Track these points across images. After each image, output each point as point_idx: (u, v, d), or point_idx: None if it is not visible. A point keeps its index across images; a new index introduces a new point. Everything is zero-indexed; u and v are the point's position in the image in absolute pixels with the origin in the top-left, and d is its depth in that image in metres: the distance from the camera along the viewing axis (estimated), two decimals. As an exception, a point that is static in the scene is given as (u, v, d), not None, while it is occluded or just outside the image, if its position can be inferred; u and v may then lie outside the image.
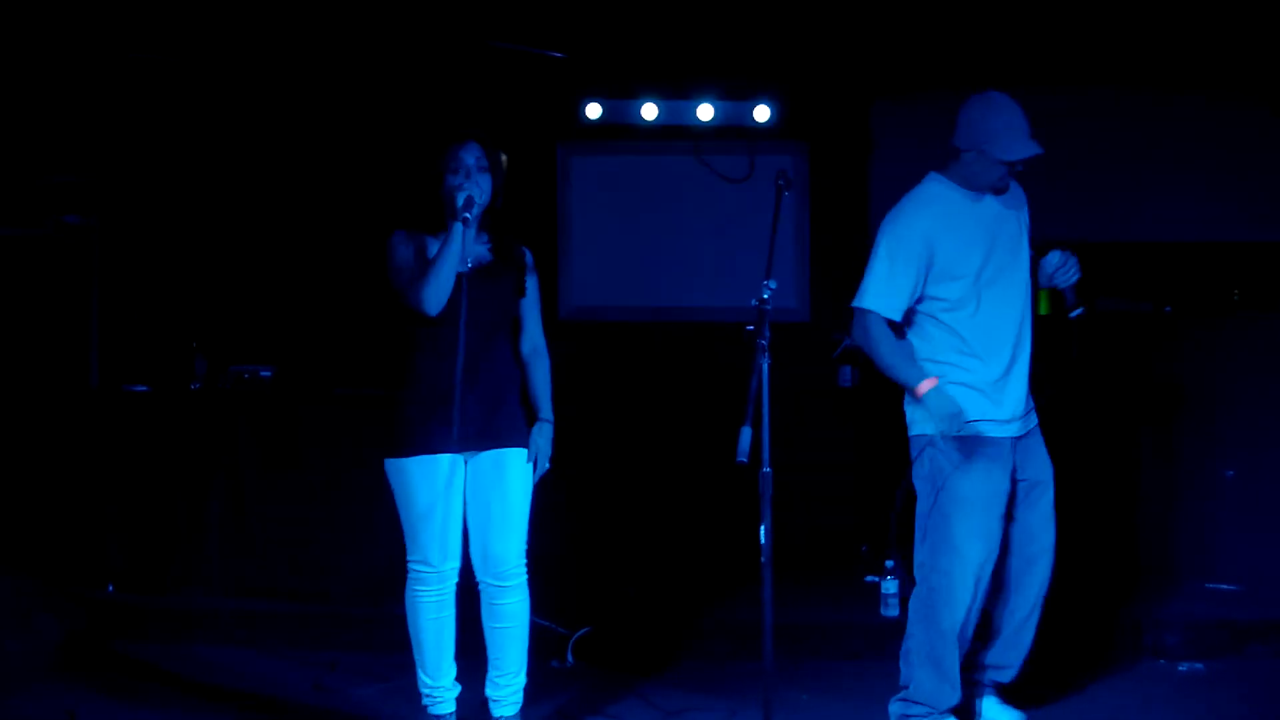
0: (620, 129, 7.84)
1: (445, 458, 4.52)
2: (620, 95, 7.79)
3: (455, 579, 4.65)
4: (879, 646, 5.91)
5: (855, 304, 4.62)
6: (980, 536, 4.54)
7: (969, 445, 4.54)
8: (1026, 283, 4.68)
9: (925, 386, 4.50)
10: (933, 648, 4.60)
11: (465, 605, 4.70)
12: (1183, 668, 5.63)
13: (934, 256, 4.53)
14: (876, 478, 7.65)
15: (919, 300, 4.59)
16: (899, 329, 4.65)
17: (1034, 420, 4.74)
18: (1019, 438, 4.64)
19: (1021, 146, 4.52)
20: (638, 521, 7.36)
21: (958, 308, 4.56)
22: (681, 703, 5.27)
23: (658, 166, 7.94)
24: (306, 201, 7.77)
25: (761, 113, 7.77)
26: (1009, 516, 4.63)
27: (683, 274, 7.88)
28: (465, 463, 4.62)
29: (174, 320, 7.53)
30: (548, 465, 4.75)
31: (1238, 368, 6.58)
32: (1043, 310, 8.41)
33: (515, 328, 4.77)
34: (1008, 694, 4.83)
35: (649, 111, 7.76)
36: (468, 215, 4.46)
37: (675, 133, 7.86)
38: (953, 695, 4.63)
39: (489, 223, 4.68)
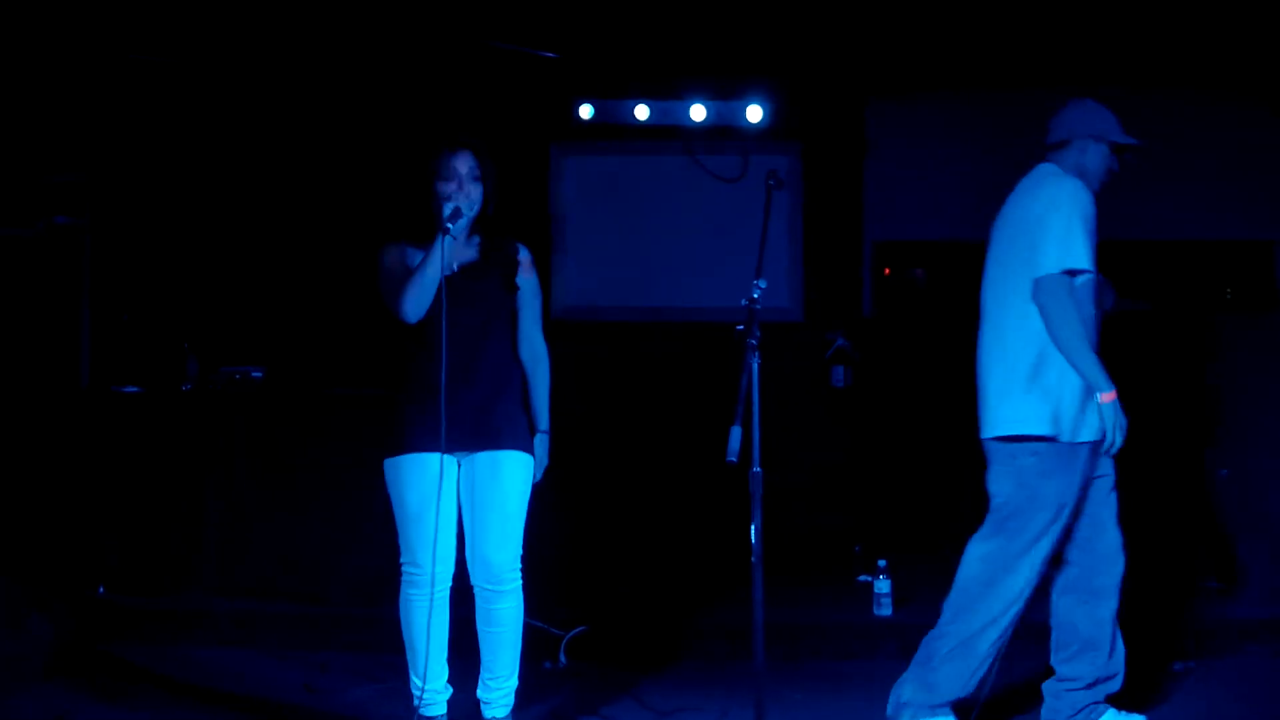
0: (613, 129, 7.85)
1: (435, 459, 4.51)
2: (613, 95, 7.79)
3: (449, 583, 4.63)
4: (872, 646, 5.94)
5: (1052, 269, 4.43)
6: (1053, 537, 4.48)
7: (1080, 449, 4.47)
8: None
9: (1112, 395, 4.39)
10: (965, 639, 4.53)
11: (459, 606, 4.69)
12: (1178, 666, 5.63)
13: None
14: (869, 478, 7.67)
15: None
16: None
17: None
18: None
19: (1127, 134, 4.63)
20: (631, 521, 7.35)
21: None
22: (675, 703, 5.26)
23: (651, 167, 7.95)
24: (298, 201, 7.77)
25: (754, 113, 7.77)
26: (1079, 512, 4.56)
27: (676, 274, 7.88)
28: (459, 465, 4.61)
29: (165, 321, 7.52)
30: (539, 476, 4.74)
31: (1230, 367, 6.58)
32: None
33: (513, 327, 4.76)
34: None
35: (642, 111, 7.77)
36: (450, 227, 4.46)
37: (668, 133, 7.87)
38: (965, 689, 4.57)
39: (481, 226, 4.67)
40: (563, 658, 5.79)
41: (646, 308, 7.88)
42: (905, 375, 7.82)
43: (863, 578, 6.45)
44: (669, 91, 7.78)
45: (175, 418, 6.52)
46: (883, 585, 6.09)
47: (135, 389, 6.74)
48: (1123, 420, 4.38)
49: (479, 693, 4.72)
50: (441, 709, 4.69)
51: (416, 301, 4.47)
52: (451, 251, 4.50)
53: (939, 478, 7.61)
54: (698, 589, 6.53)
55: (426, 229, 4.58)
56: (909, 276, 8.45)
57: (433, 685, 4.65)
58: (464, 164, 4.58)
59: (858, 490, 7.59)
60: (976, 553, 4.60)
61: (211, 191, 7.82)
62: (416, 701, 4.65)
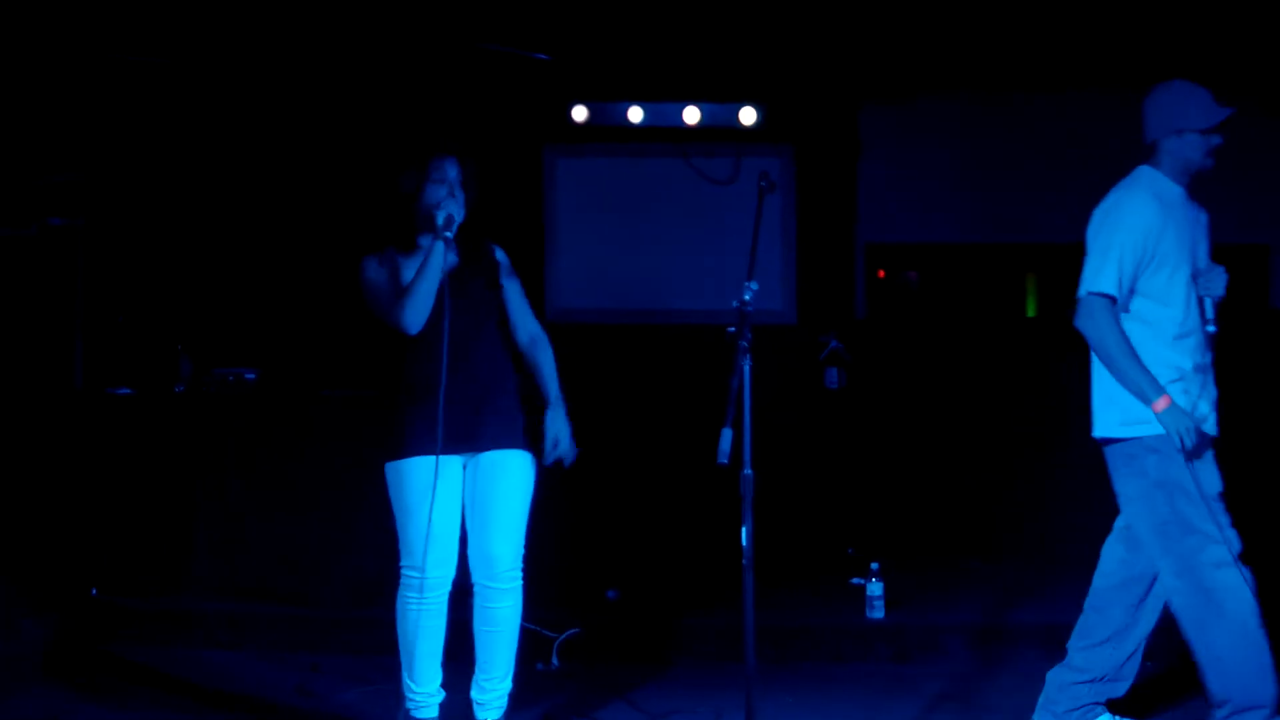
0: (607, 131, 7.85)
1: (434, 461, 4.52)
2: (607, 98, 7.79)
3: (448, 587, 4.63)
4: (865, 648, 5.94)
5: (1081, 292, 4.41)
6: (1221, 529, 4.37)
7: (1202, 442, 4.40)
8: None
9: (1164, 404, 4.31)
10: (1233, 644, 4.32)
11: (455, 608, 4.69)
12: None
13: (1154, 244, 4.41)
14: (863, 480, 7.67)
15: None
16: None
17: None
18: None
19: (1215, 111, 4.48)
20: (625, 524, 7.35)
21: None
22: (667, 705, 5.26)
23: (644, 169, 7.95)
24: (291, 203, 7.77)
25: (747, 115, 7.77)
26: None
27: (669, 276, 7.89)
28: (464, 467, 4.62)
29: (159, 322, 7.52)
30: (570, 446, 4.69)
31: (1223, 370, 6.57)
32: (1030, 312, 8.50)
33: (503, 327, 4.77)
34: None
35: (635, 114, 7.77)
36: (449, 235, 4.47)
37: (662, 135, 7.87)
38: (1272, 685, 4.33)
39: (460, 231, 4.67)
40: (555, 659, 5.80)
41: (640, 310, 7.88)
42: (898, 377, 7.82)
43: (855, 580, 6.45)
44: (662, 94, 7.78)
45: (168, 419, 6.52)
46: (875, 588, 6.09)
47: (128, 390, 6.74)
48: (1185, 422, 4.29)
49: (472, 693, 4.72)
50: (433, 712, 4.68)
51: (417, 312, 4.48)
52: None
53: (932, 480, 7.63)
54: (689, 591, 6.53)
55: (408, 238, 4.62)
56: (902, 279, 8.46)
57: (426, 689, 4.65)
58: (452, 169, 4.61)
59: (851, 492, 7.60)
60: None
61: (205, 193, 7.82)
62: (409, 704, 4.66)
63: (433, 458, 4.48)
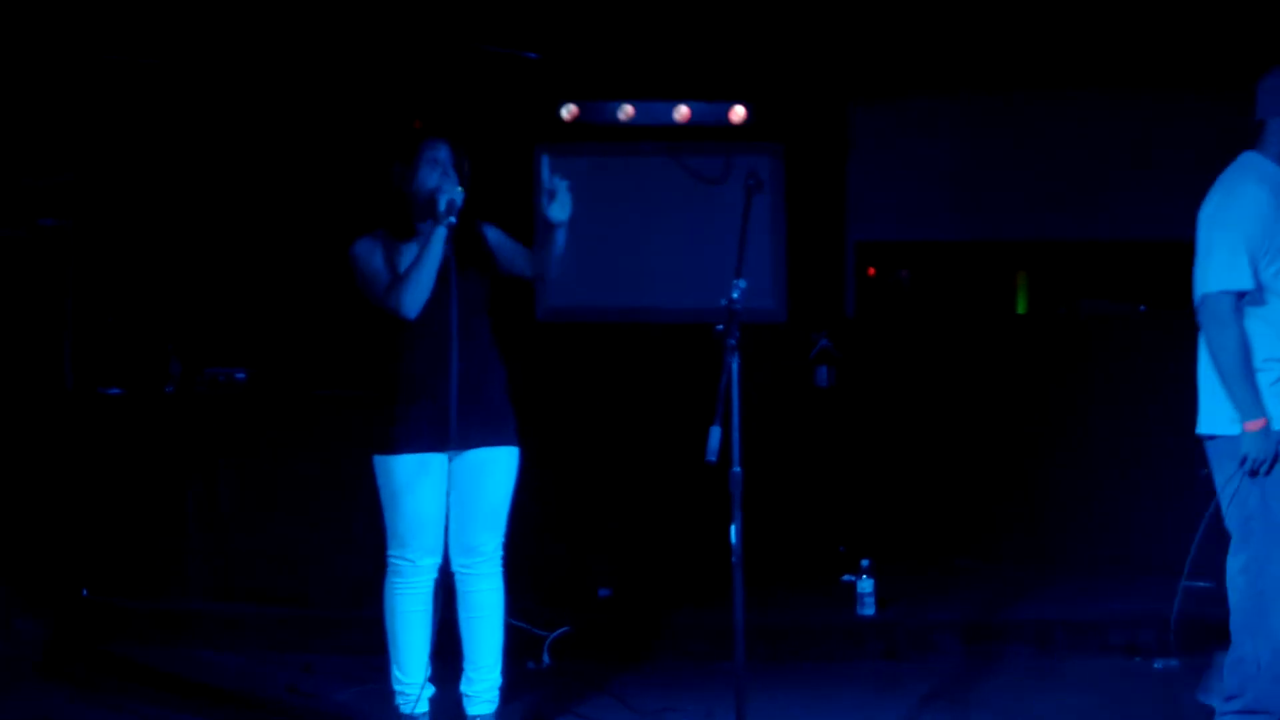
0: (597, 129, 7.85)
1: (427, 455, 4.54)
2: (597, 96, 7.80)
3: (434, 575, 4.65)
4: (856, 646, 5.95)
5: (1211, 289, 4.20)
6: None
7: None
8: None
9: (1258, 426, 4.13)
10: (1268, 656, 4.22)
11: (444, 608, 4.70)
12: (1158, 665, 5.66)
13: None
14: (853, 477, 7.69)
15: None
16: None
17: None
18: None
19: None
20: (616, 522, 7.35)
21: None
22: (658, 703, 5.26)
23: (634, 167, 7.95)
24: (282, 203, 7.76)
25: (737, 114, 7.79)
26: None
27: (660, 274, 7.89)
28: (450, 459, 4.63)
29: (149, 322, 7.52)
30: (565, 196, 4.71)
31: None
32: (1020, 309, 8.51)
33: (491, 316, 4.77)
34: None
35: (625, 112, 7.77)
36: (452, 220, 4.48)
37: (652, 133, 7.88)
38: None
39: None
40: (546, 658, 5.80)
41: (629, 308, 7.88)
42: (889, 375, 7.83)
43: (846, 578, 6.47)
44: (652, 92, 7.79)
45: (159, 419, 6.52)
46: (866, 585, 6.10)
47: (119, 391, 6.74)
48: (1270, 449, 4.10)
49: (461, 686, 4.71)
50: (424, 707, 4.67)
51: (416, 296, 4.48)
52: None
53: (923, 478, 7.64)
54: (681, 589, 6.54)
55: (404, 227, 4.62)
56: (893, 277, 8.47)
57: (414, 679, 4.63)
58: (444, 151, 4.63)
59: (841, 490, 7.61)
60: None
61: (196, 193, 7.81)
62: (399, 699, 4.66)
63: (422, 451, 4.52)
